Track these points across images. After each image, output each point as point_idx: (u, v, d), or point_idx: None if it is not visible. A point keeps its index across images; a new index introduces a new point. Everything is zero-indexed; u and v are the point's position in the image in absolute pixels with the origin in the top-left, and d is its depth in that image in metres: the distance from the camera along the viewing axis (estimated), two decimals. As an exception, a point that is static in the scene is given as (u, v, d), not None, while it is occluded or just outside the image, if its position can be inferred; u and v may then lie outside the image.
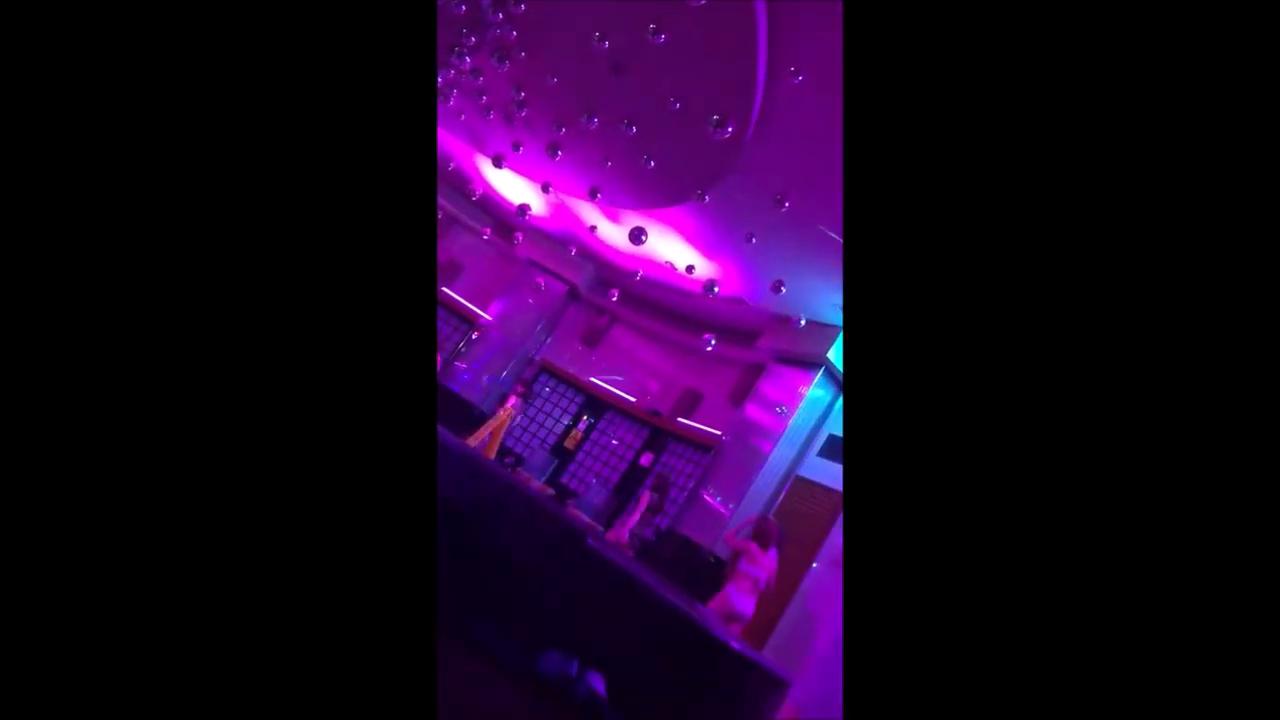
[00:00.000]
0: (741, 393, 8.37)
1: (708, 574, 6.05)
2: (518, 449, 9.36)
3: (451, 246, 10.26)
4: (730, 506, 7.23)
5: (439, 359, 6.65)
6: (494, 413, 8.06)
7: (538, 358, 9.89)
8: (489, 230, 8.98)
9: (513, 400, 6.85)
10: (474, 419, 8.55)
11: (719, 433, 8.32)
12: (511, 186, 8.50)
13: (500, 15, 4.94)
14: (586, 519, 6.84)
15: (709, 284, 6.38)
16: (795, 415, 7.42)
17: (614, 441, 9.34)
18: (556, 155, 5.92)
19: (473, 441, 7.22)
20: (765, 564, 4.86)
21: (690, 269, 7.19)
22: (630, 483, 8.81)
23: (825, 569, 6.25)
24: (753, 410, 7.88)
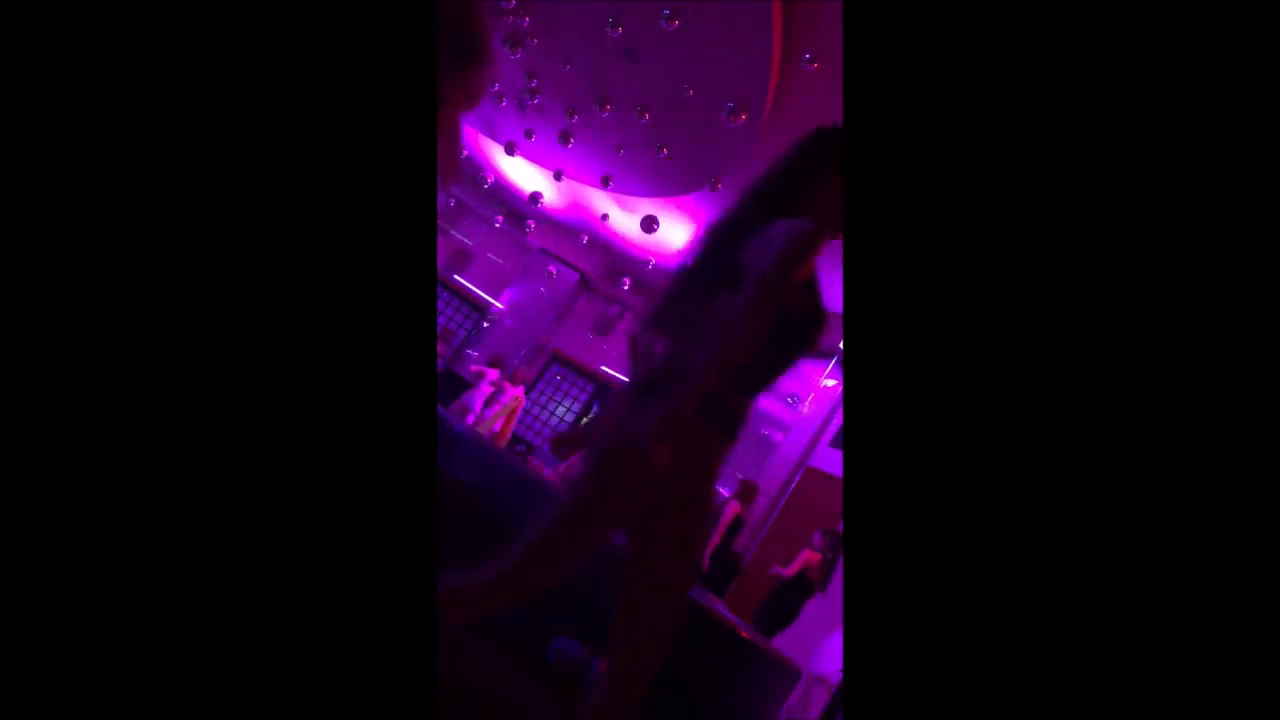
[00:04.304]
0: (752, 383, 8.32)
1: (720, 562, 6.12)
2: (529, 437, 9.39)
3: (463, 234, 10.27)
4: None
5: (450, 347, 6.89)
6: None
7: (549, 346, 9.91)
8: (501, 218, 8.98)
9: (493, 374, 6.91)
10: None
11: (730, 422, 8.29)
12: (523, 174, 8.49)
13: (512, 2, 4.91)
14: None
15: (721, 273, 6.34)
16: (806, 405, 7.40)
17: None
18: (569, 143, 5.90)
19: (483, 429, 7.26)
20: (511, 393, 6.65)
21: (702, 258, 7.15)
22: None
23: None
24: (764, 400, 7.86)
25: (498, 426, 6.76)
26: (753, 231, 1.28)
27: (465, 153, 8.59)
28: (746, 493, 6.00)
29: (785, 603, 4.74)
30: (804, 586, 5.19)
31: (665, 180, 6.67)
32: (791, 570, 5.18)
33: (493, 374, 6.71)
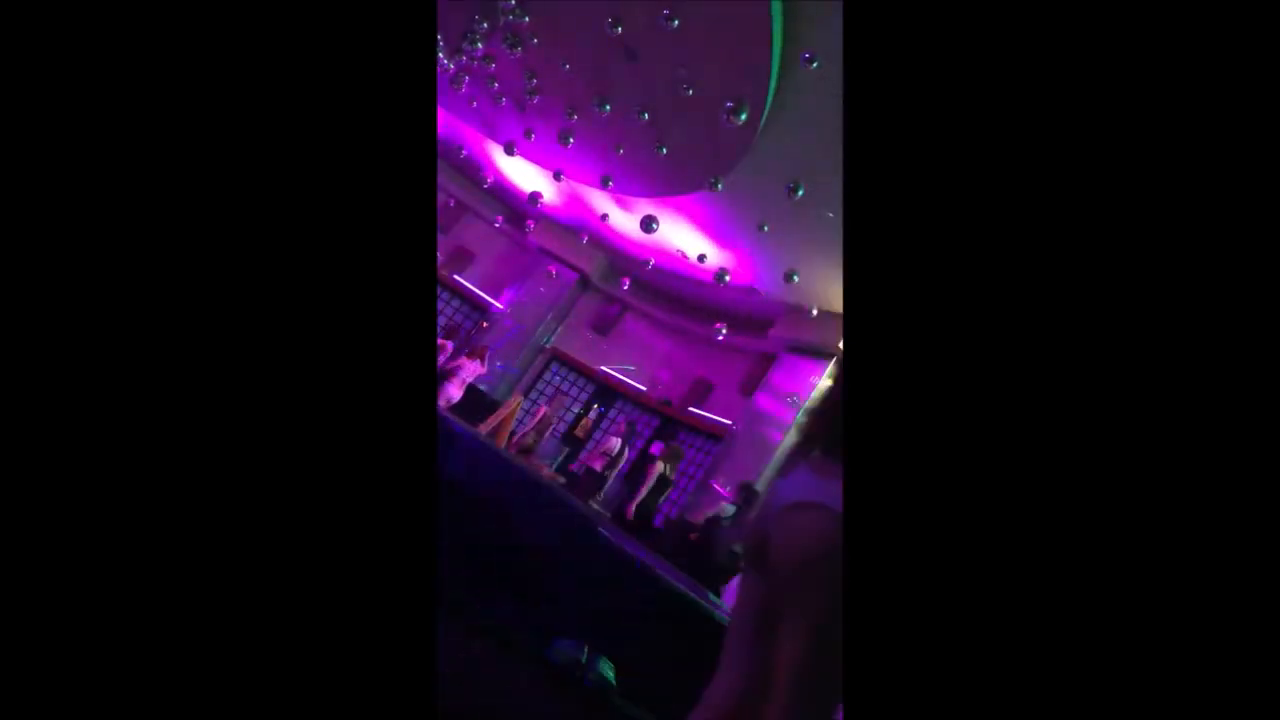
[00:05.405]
0: (752, 382, 8.35)
1: (719, 562, 6.26)
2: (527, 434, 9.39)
3: (463, 234, 10.26)
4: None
5: (450, 345, 7.03)
6: (504, 401, 8.18)
7: (549, 346, 9.90)
8: (501, 218, 8.98)
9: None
10: (485, 407, 8.59)
11: (730, 422, 8.31)
12: (523, 174, 8.48)
13: (513, 1, 4.91)
14: (596, 506, 6.98)
15: (720, 273, 6.36)
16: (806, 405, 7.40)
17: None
18: (568, 143, 5.90)
19: (483, 429, 7.27)
20: (472, 370, 7.12)
21: (702, 258, 7.17)
22: (640, 472, 8.83)
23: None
24: (763, 400, 7.87)
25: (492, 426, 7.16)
26: None
27: (465, 153, 8.59)
28: (672, 455, 7.03)
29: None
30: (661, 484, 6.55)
31: (664, 180, 6.68)
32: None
33: (447, 347, 7.11)
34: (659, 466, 6.94)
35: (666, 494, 7.08)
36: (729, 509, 6.46)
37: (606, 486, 7.99)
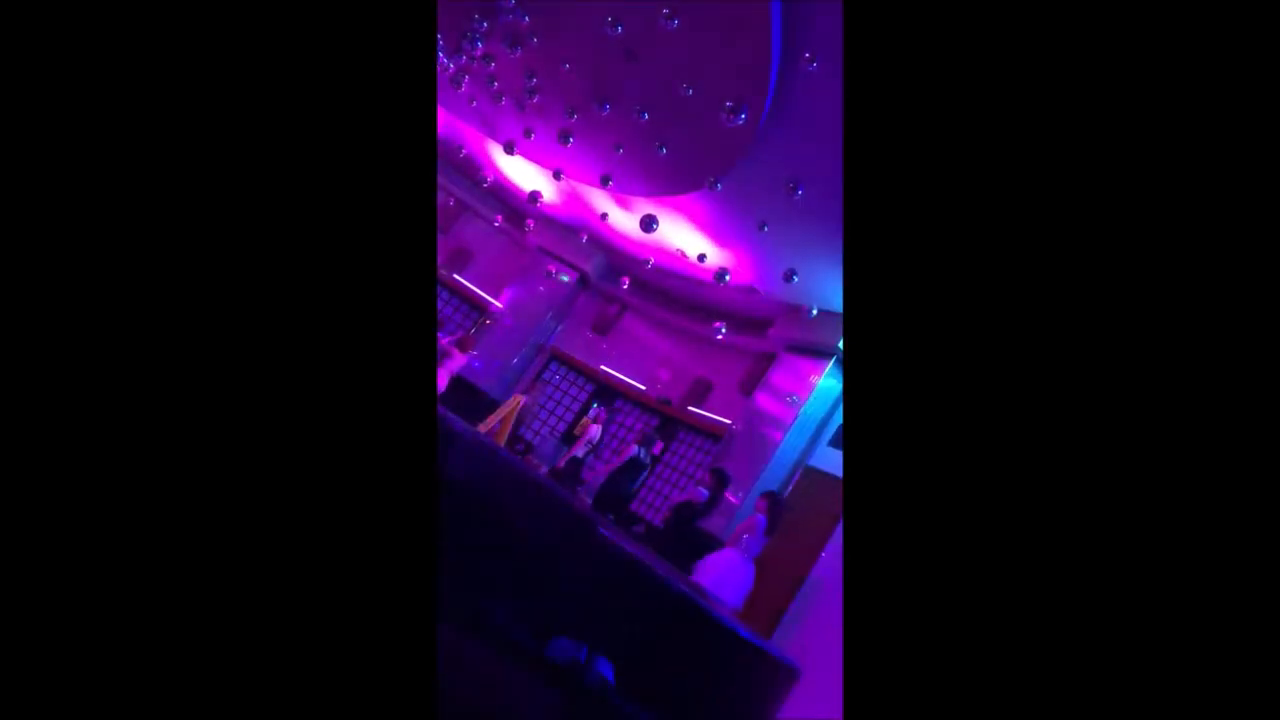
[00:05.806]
0: (752, 382, 8.35)
1: (615, 498, 7.20)
2: (527, 436, 9.39)
3: (463, 233, 10.26)
4: (739, 495, 7.23)
5: (448, 343, 7.04)
6: (505, 400, 8.20)
7: (548, 345, 9.90)
8: (500, 217, 8.98)
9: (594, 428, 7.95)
10: (485, 406, 8.58)
11: (729, 422, 8.31)
12: (523, 173, 8.48)
13: (513, 1, 4.90)
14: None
15: (720, 272, 6.36)
16: (806, 405, 7.40)
17: (623, 430, 9.35)
18: (568, 142, 5.90)
19: (483, 428, 7.28)
20: (457, 361, 7.08)
21: (702, 257, 7.16)
22: (616, 455, 8.90)
23: (834, 558, 6.24)
24: (763, 399, 7.87)
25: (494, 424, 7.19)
26: None
27: (465, 153, 8.58)
28: (644, 440, 7.40)
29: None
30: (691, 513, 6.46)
31: (664, 179, 6.67)
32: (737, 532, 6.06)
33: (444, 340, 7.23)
34: (633, 449, 7.38)
35: (639, 477, 7.48)
36: (703, 493, 6.52)
37: (583, 471, 8.09)
